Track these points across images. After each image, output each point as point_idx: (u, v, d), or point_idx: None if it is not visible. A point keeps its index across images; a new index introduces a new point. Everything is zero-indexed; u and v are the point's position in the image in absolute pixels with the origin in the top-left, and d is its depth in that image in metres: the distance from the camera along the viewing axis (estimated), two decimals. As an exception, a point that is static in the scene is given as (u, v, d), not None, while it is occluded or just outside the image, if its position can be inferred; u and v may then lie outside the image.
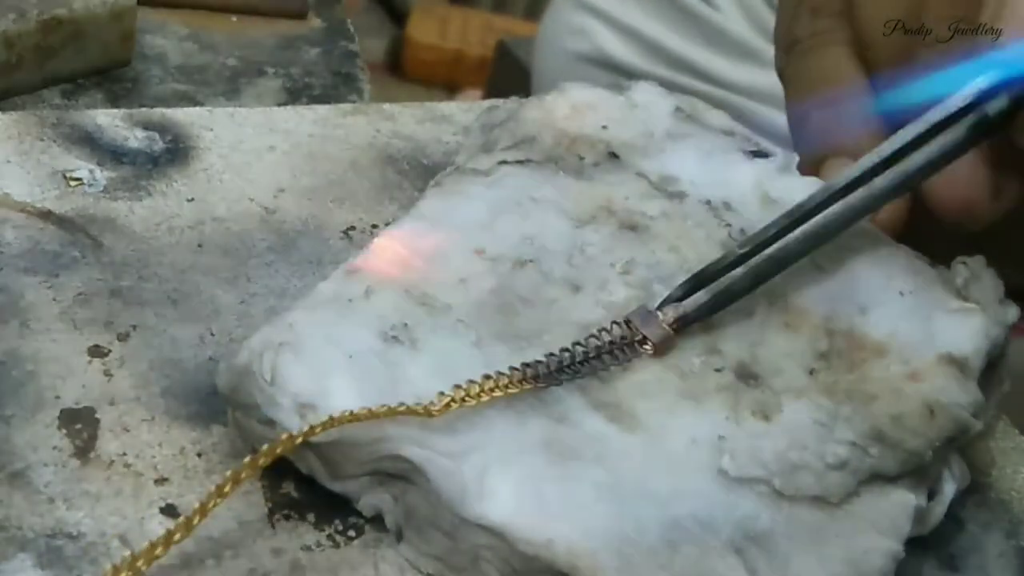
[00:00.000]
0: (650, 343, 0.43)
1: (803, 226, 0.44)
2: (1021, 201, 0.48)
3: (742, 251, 0.44)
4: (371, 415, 0.39)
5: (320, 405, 0.39)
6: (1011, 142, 0.45)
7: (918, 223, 0.49)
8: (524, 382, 0.41)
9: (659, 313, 0.43)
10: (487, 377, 0.40)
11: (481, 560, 0.39)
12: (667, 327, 0.43)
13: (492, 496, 0.38)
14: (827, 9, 0.52)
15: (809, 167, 0.50)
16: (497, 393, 0.40)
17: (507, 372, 0.41)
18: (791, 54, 0.53)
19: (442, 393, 0.40)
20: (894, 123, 0.47)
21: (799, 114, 0.51)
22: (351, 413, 0.38)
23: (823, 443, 0.41)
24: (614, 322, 0.43)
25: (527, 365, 0.41)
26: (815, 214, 0.44)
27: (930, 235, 0.49)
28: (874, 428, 0.42)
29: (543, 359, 0.41)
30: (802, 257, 0.45)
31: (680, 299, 0.44)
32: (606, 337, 0.42)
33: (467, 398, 0.40)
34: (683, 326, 0.43)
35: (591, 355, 0.42)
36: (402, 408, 0.39)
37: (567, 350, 0.42)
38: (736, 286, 0.44)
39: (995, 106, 0.45)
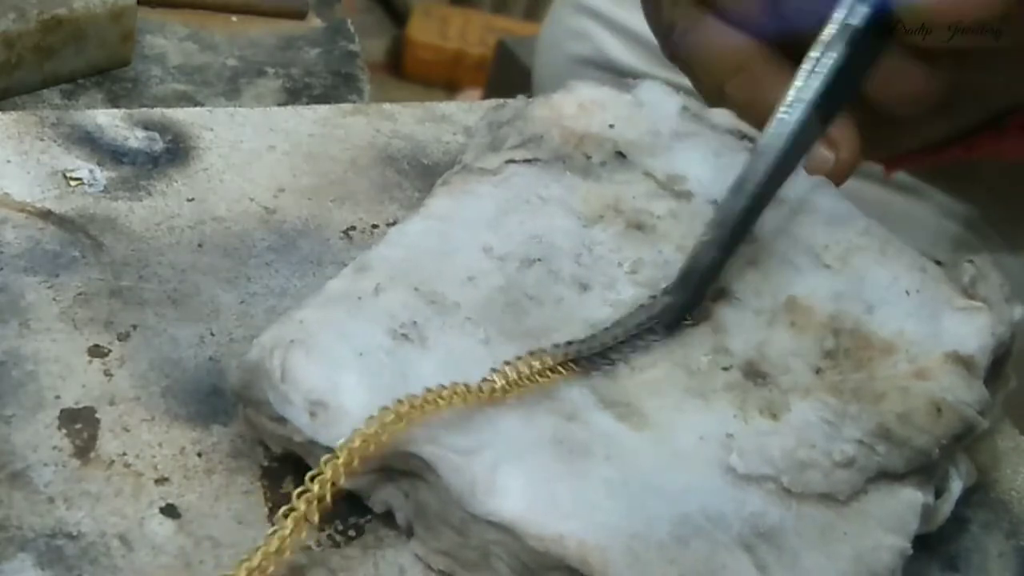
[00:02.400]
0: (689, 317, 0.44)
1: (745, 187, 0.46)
2: (952, 77, 0.50)
3: (705, 239, 0.45)
4: (433, 405, 0.39)
5: (331, 402, 0.39)
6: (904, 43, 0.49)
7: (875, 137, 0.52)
8: (565, 365, 0.41)
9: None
10: (532, 353, 0.41)
11: (491, 556, 0.39)
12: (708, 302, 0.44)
13: (503, 492, 0.38)
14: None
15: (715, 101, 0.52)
16: (543, 379, 0.41)
17: (549, 350, 0.41)
18: (676, 37, 0.55)
19: (487, 379, 0.40)
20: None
21: (714, 95, 0.54)
22: (422, 401, 0.39)
23: (831, 441, 0.41)
24: (652, 296, 0.44)
25: (570, 344, 0.42)
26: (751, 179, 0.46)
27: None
28: (881, 426, 0.42)
29: (586, 338, 0.42)
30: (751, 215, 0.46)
31: (671, 294, 0.45)
32: (641, 316, 0.44)
33: (520, 378, 0.40)
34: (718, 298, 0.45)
35: (632, 332, 0.43)
36: (465, 390, 0.39)
37: (608, 329, 0.43)
38: (712, 263, 0.45)
39: (858, 15, 0.47)
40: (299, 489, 0.38)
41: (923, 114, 0.51)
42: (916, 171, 0.61)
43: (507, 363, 0.40)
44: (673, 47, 0.56)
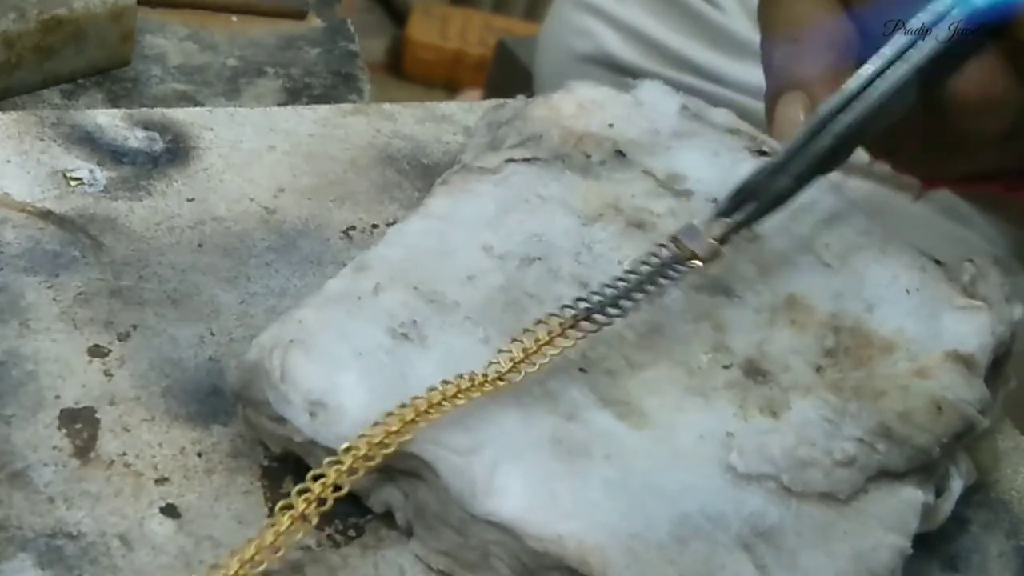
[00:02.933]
0: (699, 258, 0.44)
1: (833, 126, 0.45)
2: None
3: (777, 160, 0.45)
4: (437, 409, 0.39)
5: (330, 402, 0.39)
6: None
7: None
8: (577, 325, 0.41)
9: (702, 228, 0.45)
10: (539, 322, 0.41)
11: (491, 556, 0.39)
12: (713, 240, 0.44)
13: (502, 492, 0.38)
14: None
15: (768, 104, 0.51)
16: (553, 349, 0.41)
17: (559, 313, 0.41)
18: (765, 3, 0.53)
19: (494, 361, 0.40)
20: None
21: (767, 53, 0.52)
22: (426, 404, 0.39)
23: (831, 440, 0.41)
24: (660, 244, 0.44)
25: (581, 299, 0.42)
26: (838, 116, 0.45)
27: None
28: (882, 425, 0.42)
29: (596, 292, 0.42)
30: (838, 156, 0.46)
31: (729, 212, 0.45)
32: (655, 260, 0.43)
33: (527, 355, 0.40)
34: (728, 237, 0.45)
35: (644, 281, 0.43)
36: (483, 381, 0.39)
37: (621, 279, 0.43)
38: (778, 190, 0.45)
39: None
40: (298, 487, 0.38)
41: (992, 135, 0.50)
42: (956, 192, 0.59)
43: (513, 339, 0.41)
44: (760, 10, 0.55)
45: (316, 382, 0.40)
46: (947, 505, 0.43)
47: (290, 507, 0.38)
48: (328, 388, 0.40)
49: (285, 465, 0.41)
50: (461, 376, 0.39)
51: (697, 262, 0.44)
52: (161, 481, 0.40)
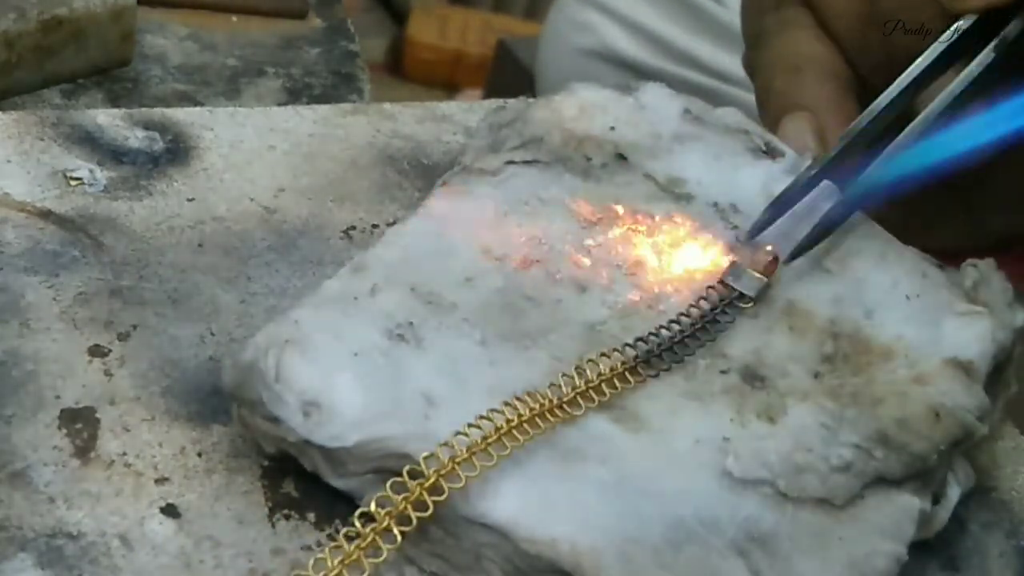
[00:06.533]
0: (749, 298, 0.44)
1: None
2: None
3: (812, 173, 0.46)
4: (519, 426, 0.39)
5: (324, 402, 0.39)
6: None
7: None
8: (635, 369, 0.42)
9: (749, 268, 0.45)
10: (603, 355, 0.41)
11: (484, 559, 0.39)
12: (759, 276, 0.45)
13: (496, 495, 0.38)
14: (790, 1, 0.53)
15: (770, 128, 0.51)
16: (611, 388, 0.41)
17: (621, 351, 0.42)
18: (757, 46, 0.54)
19: (555, 384, 0.40)
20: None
21: (764, 84, 0.53)
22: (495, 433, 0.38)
23: (828, 445, 0.41)
24: (709, 286, 0.44)
25: (640, 339, 0.42)
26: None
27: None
28: (879, 431, 0.42)
29: (654, 334, 0.42)
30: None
31: (766, 224, 0.45)
32: (705, 306, 0.44)
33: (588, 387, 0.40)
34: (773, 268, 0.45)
35: (698, 326, 0.43)
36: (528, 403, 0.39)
37: (675, 322, 0.43)
38: (829, 217, 0.45)
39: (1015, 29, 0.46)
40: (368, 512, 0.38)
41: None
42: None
43: (577, 367, 0.41)
44: (750, 56, 0.55)
45: (311, 382, 0.40)
46: (944, 512, 0.43)
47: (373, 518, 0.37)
48: (323, 388, 0.40)
49: (285, 465, 0.42)
50: (520, 398, 0.39)
51: (748, 303, 0.44)
52: (161, 481, 0.41)
